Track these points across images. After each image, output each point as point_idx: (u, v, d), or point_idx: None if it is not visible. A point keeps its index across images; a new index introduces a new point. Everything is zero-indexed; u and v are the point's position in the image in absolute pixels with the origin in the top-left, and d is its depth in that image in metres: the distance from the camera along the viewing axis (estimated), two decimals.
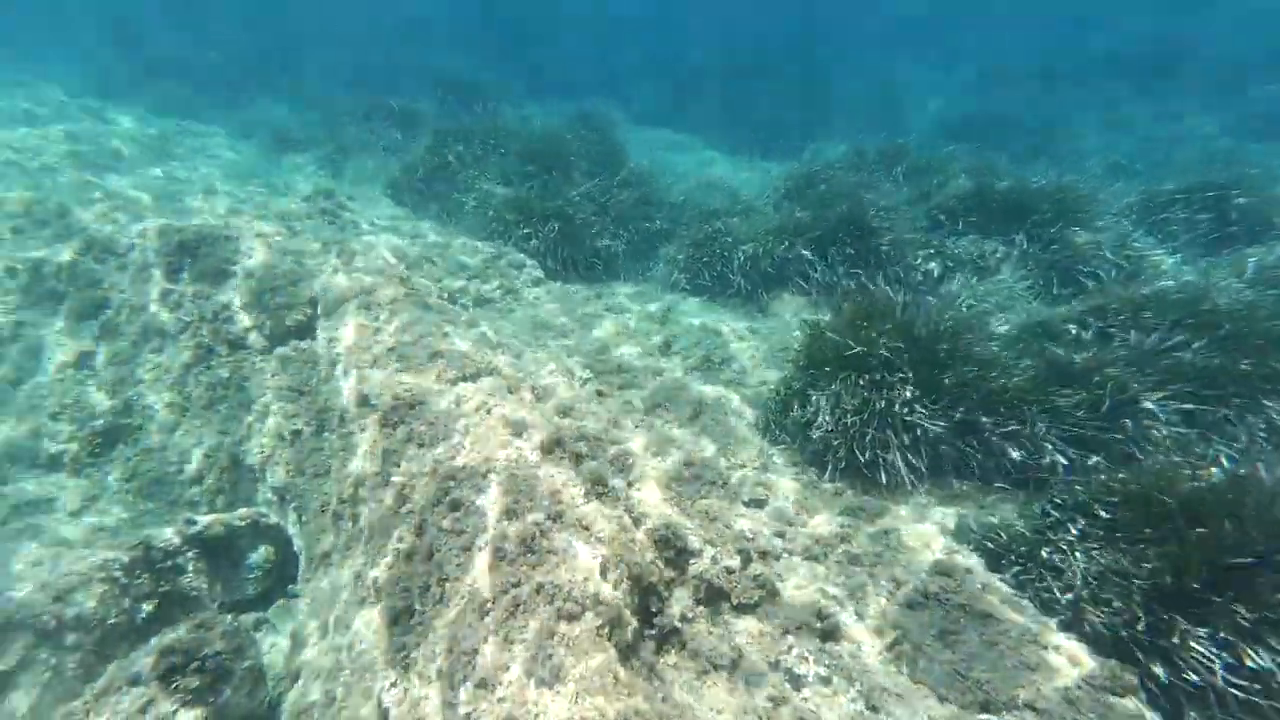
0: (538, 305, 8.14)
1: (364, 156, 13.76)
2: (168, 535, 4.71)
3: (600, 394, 6.14)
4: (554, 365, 6.30)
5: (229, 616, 4.21)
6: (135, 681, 3.56)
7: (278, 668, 4.39)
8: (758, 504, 4.68)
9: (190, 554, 4.74)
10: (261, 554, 5.20)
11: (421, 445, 4.62)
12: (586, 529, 3.77)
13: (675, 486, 4.58)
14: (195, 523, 4.90)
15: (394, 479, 4.55)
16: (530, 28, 26.65)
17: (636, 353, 7.08)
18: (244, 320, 6.71)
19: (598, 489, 4.15)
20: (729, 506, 4.48)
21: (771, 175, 14.08)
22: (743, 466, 5.09)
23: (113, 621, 4.11)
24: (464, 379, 5.21)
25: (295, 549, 5.50)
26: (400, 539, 4.10)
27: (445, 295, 7.42)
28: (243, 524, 5.17)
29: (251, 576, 5.10)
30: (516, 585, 3.45)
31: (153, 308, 6.91)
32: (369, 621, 3.99)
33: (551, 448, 4.42)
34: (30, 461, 6.25)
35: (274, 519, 5.60)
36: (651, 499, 4.43)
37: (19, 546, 5.17)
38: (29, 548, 4.67)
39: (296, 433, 5.91)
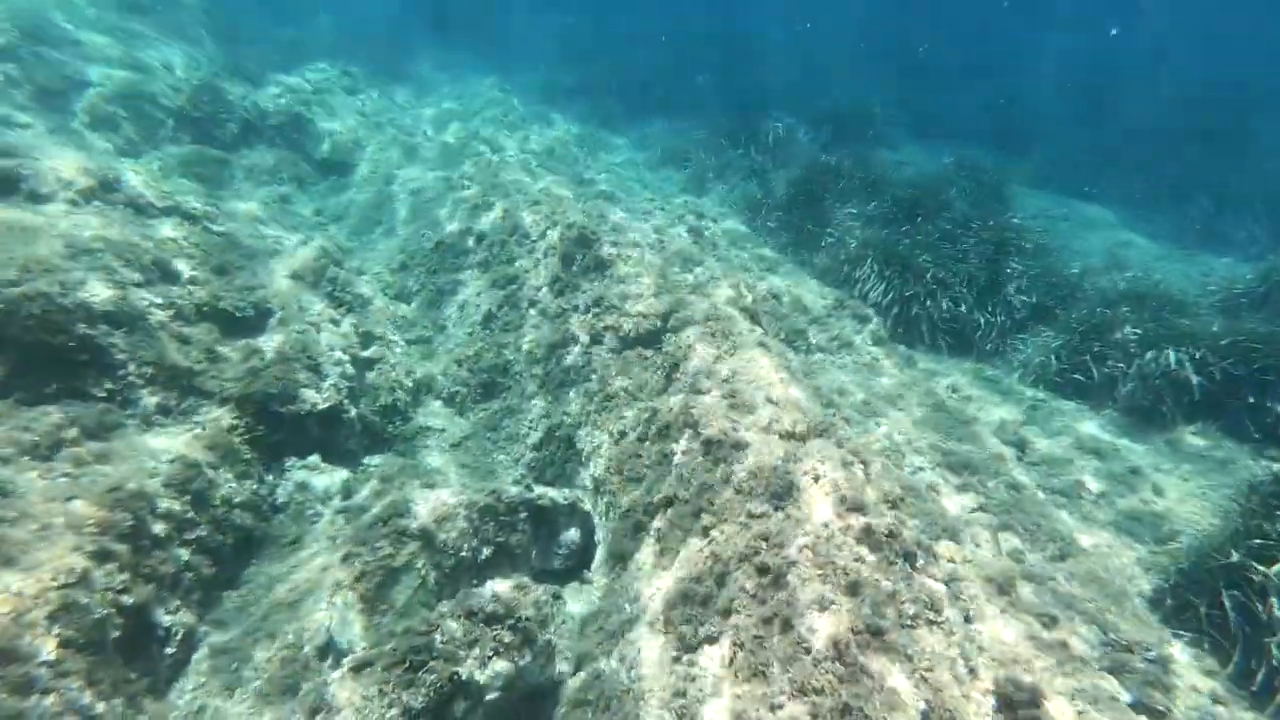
0: (877, 369, 7.51)
1: (732, 177, 14.52)
2: (513, 492, 5.43)
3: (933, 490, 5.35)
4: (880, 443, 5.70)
5: (541, 587, 4.65)
6: (470, 615, 4.09)
7: (563, 649, 4.72)
8: None
9: (523, 516, 5.38)
10: (573, 535, 5.69)
11: (739, 493, 4.52)
12: (906, 656, 3.21)
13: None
14: (532, 490, 5.56)
15: (703, 520, 4.55)
16: (932, 72, 25.20)
17: (971, 450, 6.04)
18: (607, 320, 7.48)
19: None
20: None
21: (1216, 272, 11.02)
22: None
23: (463, 554, 4.87)
24: (793, 435, 4.96)
25: (596, 539, 5.92)
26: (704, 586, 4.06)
27: (784, 336, 7.29)
28: (565, 503, 5.72)
29: (560, 552, 5.61)
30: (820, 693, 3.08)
31: (543, 291, 8.14)
32: (652, 649, 4.03)
33: (879, 541, 3.93)
34: (435, 394, 7.88)
35: (586, 505, 6.11)
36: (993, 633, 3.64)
37: (419, 463, 6.50)
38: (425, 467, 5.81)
39: (623, 434, 6.35)
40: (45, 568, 3.49)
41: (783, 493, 4.38)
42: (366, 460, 6.53)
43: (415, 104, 16.55)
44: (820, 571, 3.64)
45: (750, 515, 4.30)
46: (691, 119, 18.11)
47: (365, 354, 7.45)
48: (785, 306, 8.38)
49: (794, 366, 6.16)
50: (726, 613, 3.81)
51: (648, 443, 6.12)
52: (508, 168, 10.75)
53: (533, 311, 8.18)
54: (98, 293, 5.35)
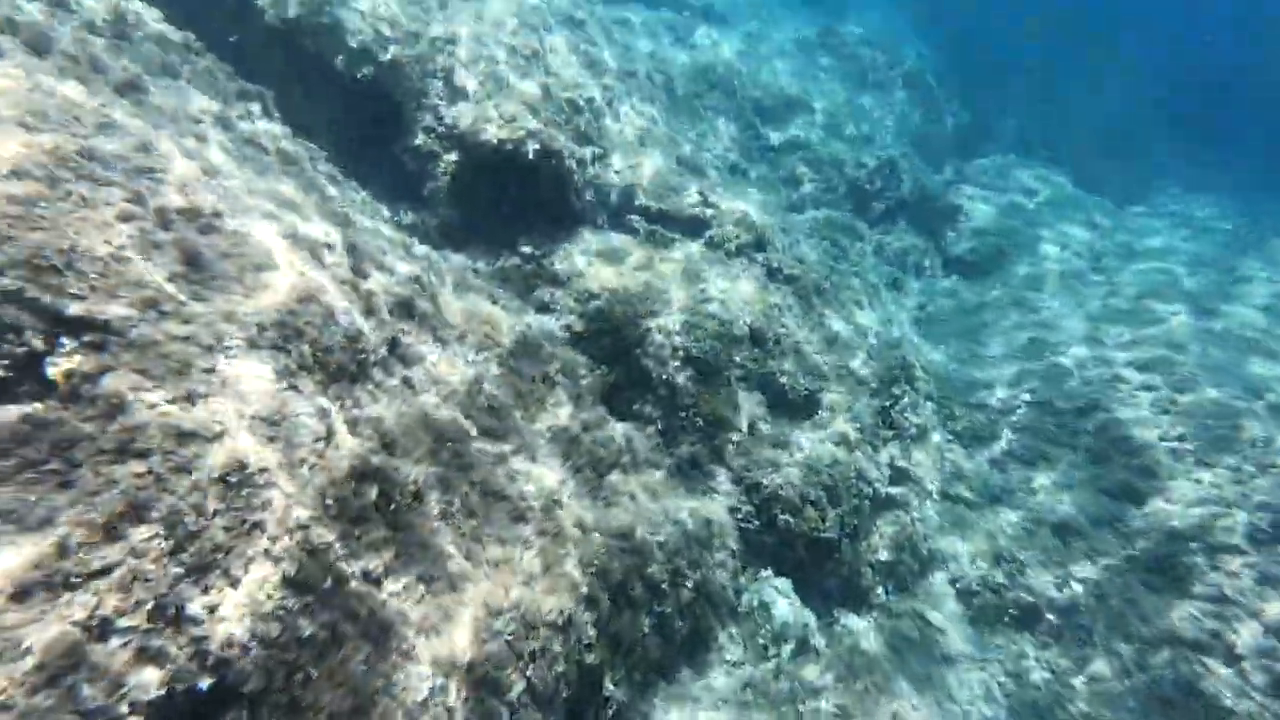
0: None
1: None
2: None
3: None
4: None
5: None
6: None
7: None
8: None
9: None
10: None
11: None
12: None
13: None
14: None
15: None
16: None
17: None
18: None
19: None
20: None
21: None
22: None
23: None
24: None
25: None
26: None
27: None
28: None
29: None
30: None
31: None
32: None
33: None
34: (950, 579, 6.32)
35: None
36: None
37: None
38: None
39: None
40: (548, 601, 3.67)
41: None
42: (839, 615, 5.59)
43: (1134, 234, 12.26)
44: None
45: None
46: None
47: (891, 490, 6.43)
48: None
49: None
50: None
51: None
52: None
53: None
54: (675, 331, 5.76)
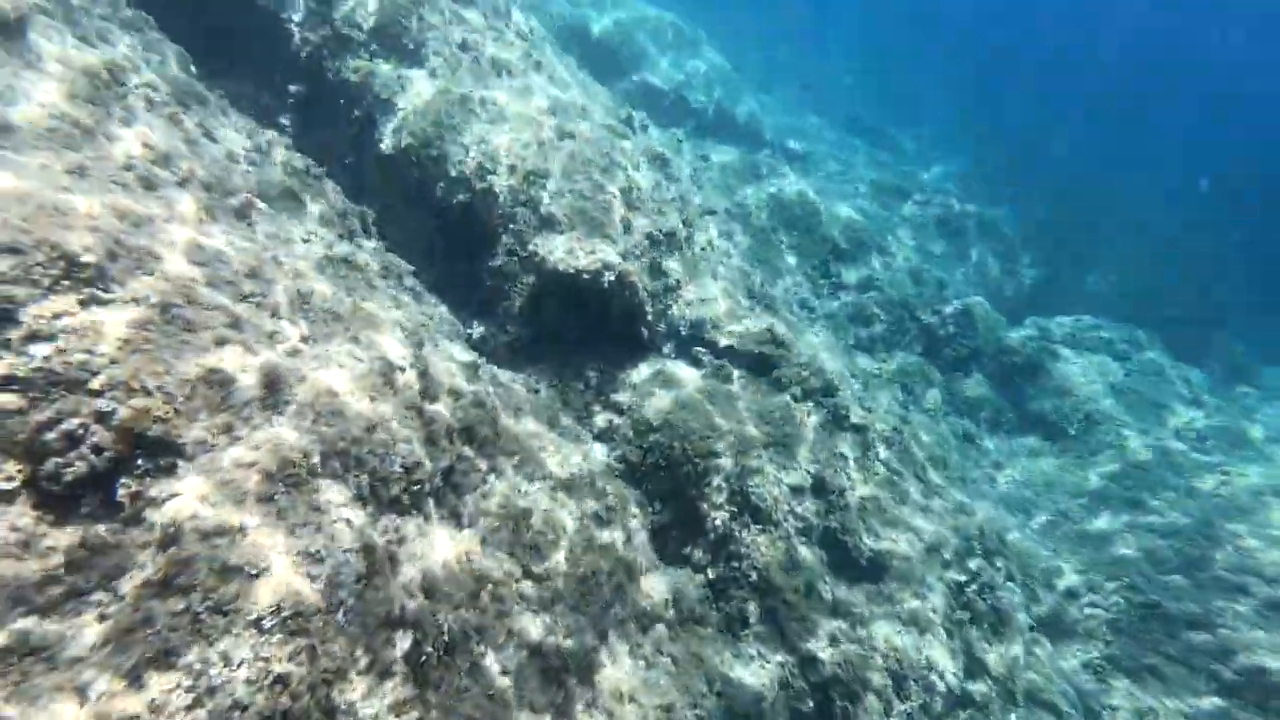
0: None
1: None
2: None
3: None
4: None
5: None
6: None
7: None
8: None
9: None
10: None
11: None
12: None
13: None
14: None
15: None
16: None
17: None
18: None
19: None
20: None
21: None
22: None
23: None
24: None
25: None
26: None
27: None
28: None
29: None
30: None
31: None
32: None
33: None
34: None
35: None
36: None
37: None
38: None
39: None
40: None
41: None
42: None
43: (1243, 417, 10.95)
44: None
45: None
46: None
47: (969, 687, 5.68)
48: None
49: None
50: None
51: None
52: None
53: None
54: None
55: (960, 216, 13.02)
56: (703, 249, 7.01)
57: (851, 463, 5.83)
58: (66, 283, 2.76)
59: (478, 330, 6.45)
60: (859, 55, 30.51)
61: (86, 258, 2.85)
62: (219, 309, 3.26)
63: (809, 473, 5.39)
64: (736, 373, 5.87)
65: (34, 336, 2.61)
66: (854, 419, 6.06)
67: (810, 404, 5.87)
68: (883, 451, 6.23)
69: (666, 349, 6.07)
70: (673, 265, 6.37)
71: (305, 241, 4.95)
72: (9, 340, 2.56)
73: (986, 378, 10.22)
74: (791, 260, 9.66)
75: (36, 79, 3.66)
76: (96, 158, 3.68)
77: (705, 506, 4.89)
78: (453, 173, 6.58)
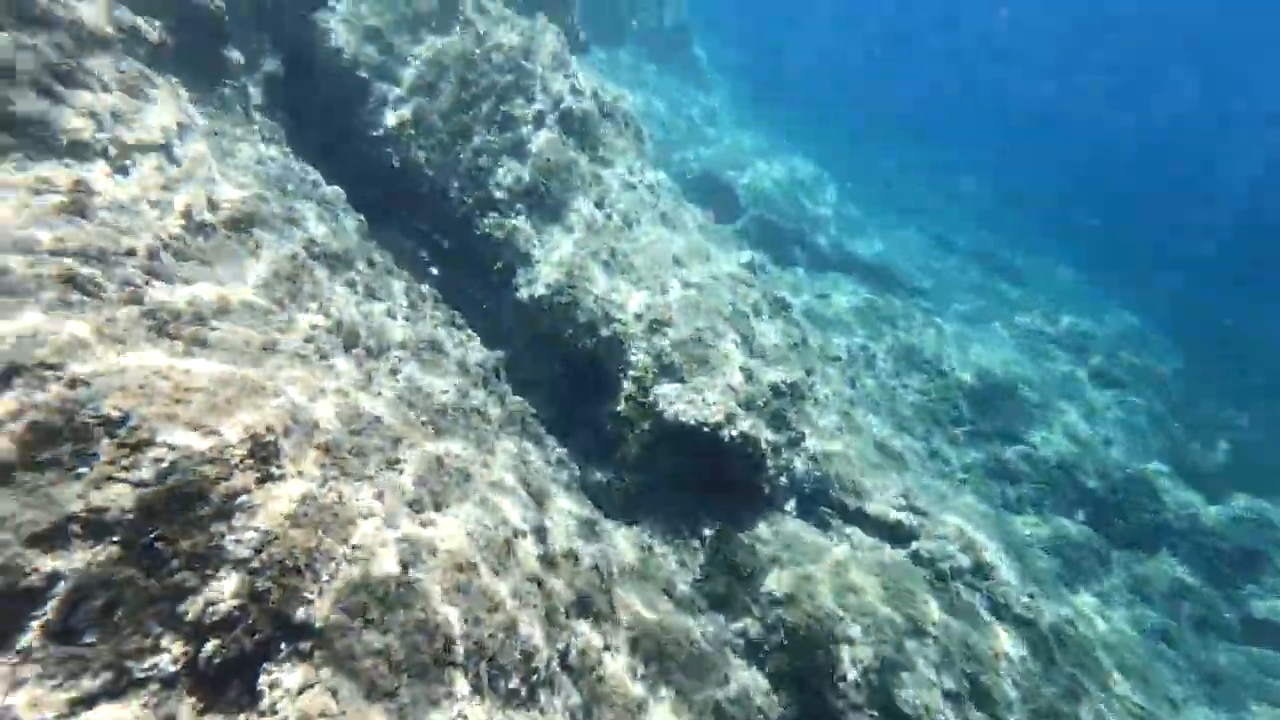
0: None
1: None
2: None
3: None
4: None
5: None
6: None
7: None
8: None
9: None
10: None
11: None
12: None
13: None
14: None
15: None
16: None
17: None
18: None
19: None
20: None
21: None
22: None
23: None
24: None
25: None
26: None
27: None
28: None
29: None
30: None
31: None
32: None
33: None
34: None
35: None
36: None
37: None
38: None
39: None
40: None
41: None
42: None
43: None
44: None
45: None
46: None
47: None
48: None
49: None
50: None
51: None
52: None
53: None
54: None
55: (1125, 366, 11.85)
56: (827, 398, 6.80)
57: (1016, 666, 5.04)
58: (250, 461, 3.04)
59: (595, 475, 6.49)
60: (992, 182, 29.47)
61: (269, 438, 3.14)
62: (366, 480, 3.46)
63: (965, 673, 4.70)
64: (869, 540, 5.43)
65: (218, 515, 2.85)
66: (1016, 611, 5.31)
67: (959, 584, 5.24)
68: (1056, 654, 5.36)
69: (789, 506, 5.78)
70: (796, 417, 6.19)
71: (444, 393, 5.28)
72: (200, 518, 2.81)
73: (1184, 561, 8.72)
74: (927, 408, 9.14)
75: (254, 264, 4.28)
76: (285, 327, 4.17)
77: (840, 705, 4.35)
78: (581, 320, 6.92)
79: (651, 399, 6.22)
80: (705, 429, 5.69)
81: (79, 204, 3.16)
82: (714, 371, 6.26)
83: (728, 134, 15.00)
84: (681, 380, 6.22)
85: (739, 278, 7.73)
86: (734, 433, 5.57)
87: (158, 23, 4.35)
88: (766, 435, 5.72)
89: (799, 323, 7.87)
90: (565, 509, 4.90)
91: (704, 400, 5.87)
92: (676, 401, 5.89)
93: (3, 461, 2.49)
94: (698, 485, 6.15)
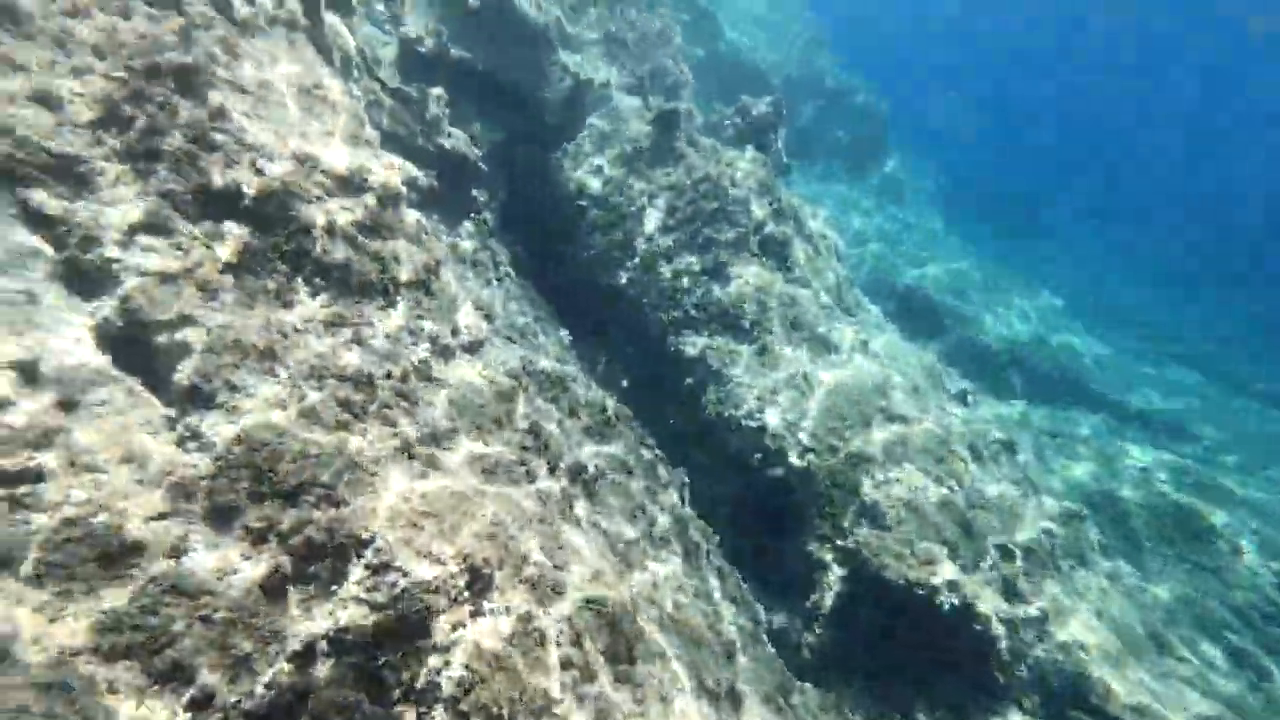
0: None
1: None
2: None
3: None
4: None
5: None
6: None
7: None
8: None
9: None
10: None
11: None
12: None
13: None
14: None
15: None
16: None
17: None
18: None
19: None
20: None
21: None
22: None
23: None
24: None
25: None
26: None
27: None
28: None
29: None
30: None
31: None
32: None
33: None
34: None
35: None
36: None
37: None
38: None
39: None
40: None
41: None
42: None
43: None
44: None
45: None
46: None
47: None
48: None
49: None
50: None
51: None
52: None
53: None
54: None
55: None
56: (1072, 567, 5.70)
57: None
58: (467, 594, 3.09)
59: (779, 619, 5.93)
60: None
61: (485, 570, 3.18)
62: (565, 621, 3.36)
63: None
64: None
65: (435, 649, 2.88)
66: None
67: None
68: None
69: (1028, 705, 4.75)
70: (1034, 590, 5.23)
71: (632, 518, 5.19)
72: (419, 648, 2.85)
73: None
74: (1200, 580, 7.35)
75: (483, 385, 4.60)
76: (501, 439, 4.36)
77: None
78: (771, 446, 6.61)
79: (851, 545, 5.64)
80: (918, 591, 4.98)
81: (358, 335, 3.59)
82: (925, 521, 5.56)
83: (940, 255, 14.33)
84: (886, 528, 5.59)
85: (947, 409, 7.00)
86: (954, 602, 4.80)
87: (432, 173, 5.07)
88: (997, 610, 4.85)
89: (1024, 466, 6.84)
90: (755, 704, 4.42)
91: (915, 555, 5.19)
92: (883, 555, 5.27)
93: (285, 574, 2.70)
94: (907, 659, 5.33)
